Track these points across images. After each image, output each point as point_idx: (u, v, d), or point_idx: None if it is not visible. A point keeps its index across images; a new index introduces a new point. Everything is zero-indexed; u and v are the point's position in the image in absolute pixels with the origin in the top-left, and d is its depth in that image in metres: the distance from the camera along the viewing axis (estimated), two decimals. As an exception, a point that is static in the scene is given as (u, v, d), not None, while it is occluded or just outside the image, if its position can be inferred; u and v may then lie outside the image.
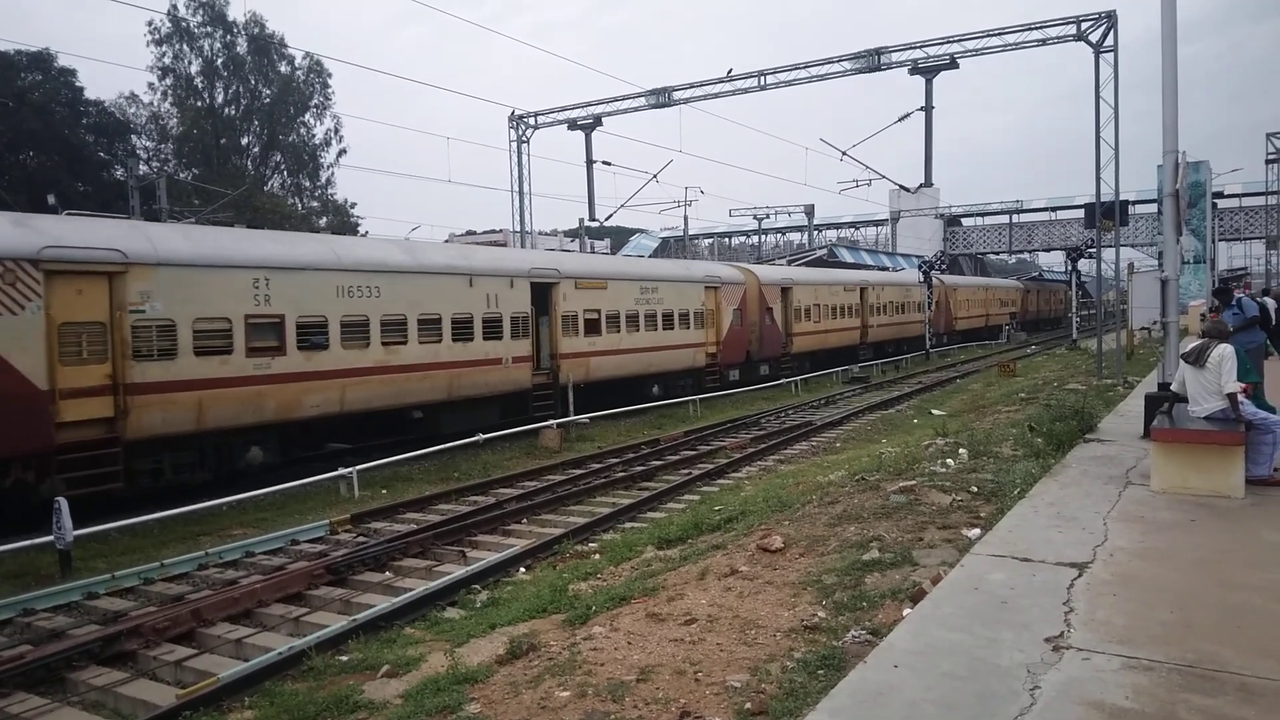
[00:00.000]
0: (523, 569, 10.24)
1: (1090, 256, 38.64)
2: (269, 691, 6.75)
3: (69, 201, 33.42)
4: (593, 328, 23.12)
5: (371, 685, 6.20)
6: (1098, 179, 23.63)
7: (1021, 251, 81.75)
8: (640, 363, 25.03)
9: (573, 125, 47.48)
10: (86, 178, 45.27)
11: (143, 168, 48.82)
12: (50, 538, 10.82)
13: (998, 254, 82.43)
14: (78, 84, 45.92)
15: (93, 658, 7.93)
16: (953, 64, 44.60)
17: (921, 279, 46.47)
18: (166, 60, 54.32)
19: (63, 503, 10.73)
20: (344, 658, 7.33)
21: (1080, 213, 55.94)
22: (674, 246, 71.20)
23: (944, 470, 9.77)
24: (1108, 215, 23.25)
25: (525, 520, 12.96)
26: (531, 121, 43.19)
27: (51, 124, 43.35)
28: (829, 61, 40.12)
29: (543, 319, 21.77)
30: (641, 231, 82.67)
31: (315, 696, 6.19)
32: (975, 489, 8.68)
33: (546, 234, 60.36)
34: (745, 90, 41.18)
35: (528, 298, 20.88)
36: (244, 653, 8.10)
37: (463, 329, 19.03)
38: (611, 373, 23.82)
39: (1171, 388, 9.72)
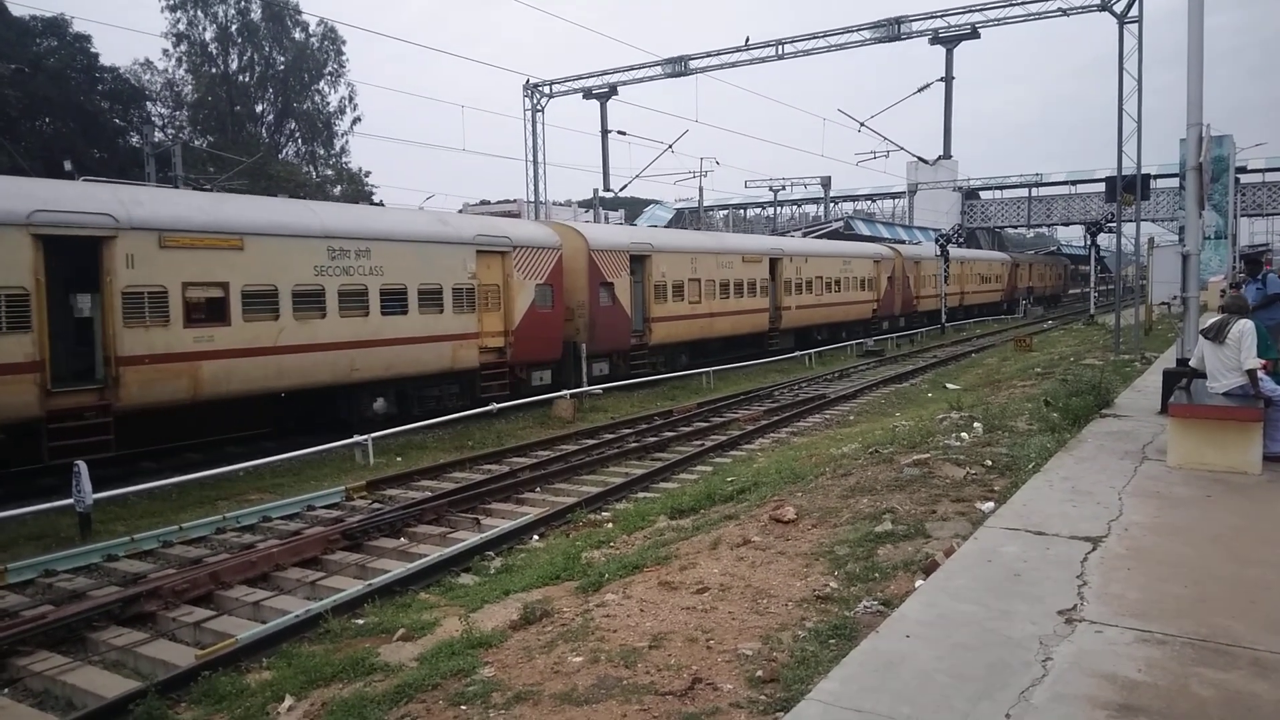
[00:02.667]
0: (536, 537, 10.32)
1: (1110, 231, 38.26)
2: (286, 653, 6.85)
3: (85, 168, 33.51)
4: (209, 312, 14.31)
5: (387, 648, 6.28)
6: (1119, 152, 23.33)
7: (1040, 226, 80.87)
8: (332, 366, 16.05)
9: (588, 94, 47.24)
10: (102, 144, 45.31)
11: (158, 135, 48.90)
12: (70, 501, 10.96)
13: (1016, 228, 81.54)
14: (92, 50, 45.88)
15: (113, 618, 8.06)
16: (974, 34, 44.12)
17: (938, 252, 46.03)
18: (181, 26, 54.22)
19: (82, 466, 10.86)
20: (360, 621, 7.42)
21: (1100, 186, 55.19)
22: (689, 218, 70.92)
23: (958, 444, 9.75)
24: (1129, 189, 23.00)
25: (538, 489, 13.03)
26: (546, 90, 42.95)
27: (67, 90, 43.34)
28: (848, 30, 39.70)
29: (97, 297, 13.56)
30: (656, 203, 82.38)
31: (332, 658, 6.27)
32: (990, 463, 8.66)
33: (561, 204, 60.22)
34: (763, 59, 40.87)
35: (29, 263, 12.36)
36: (261, 615, 8.21)
37: None
38: (258, 384, 15.05)
39: (1191, 363, 9.65)
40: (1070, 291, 79.01)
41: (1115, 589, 5.26)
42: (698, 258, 27.14)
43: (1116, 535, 6.27)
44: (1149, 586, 5.31)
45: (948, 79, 57.95)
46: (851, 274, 37.28)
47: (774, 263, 31.35)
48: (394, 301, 17.27)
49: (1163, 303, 33.44)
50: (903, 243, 53.11)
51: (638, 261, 24.64)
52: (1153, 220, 58.83)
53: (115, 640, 7.67)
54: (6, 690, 6.98)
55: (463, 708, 4.75)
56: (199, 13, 54.47)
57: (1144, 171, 23.87)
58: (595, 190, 49.51)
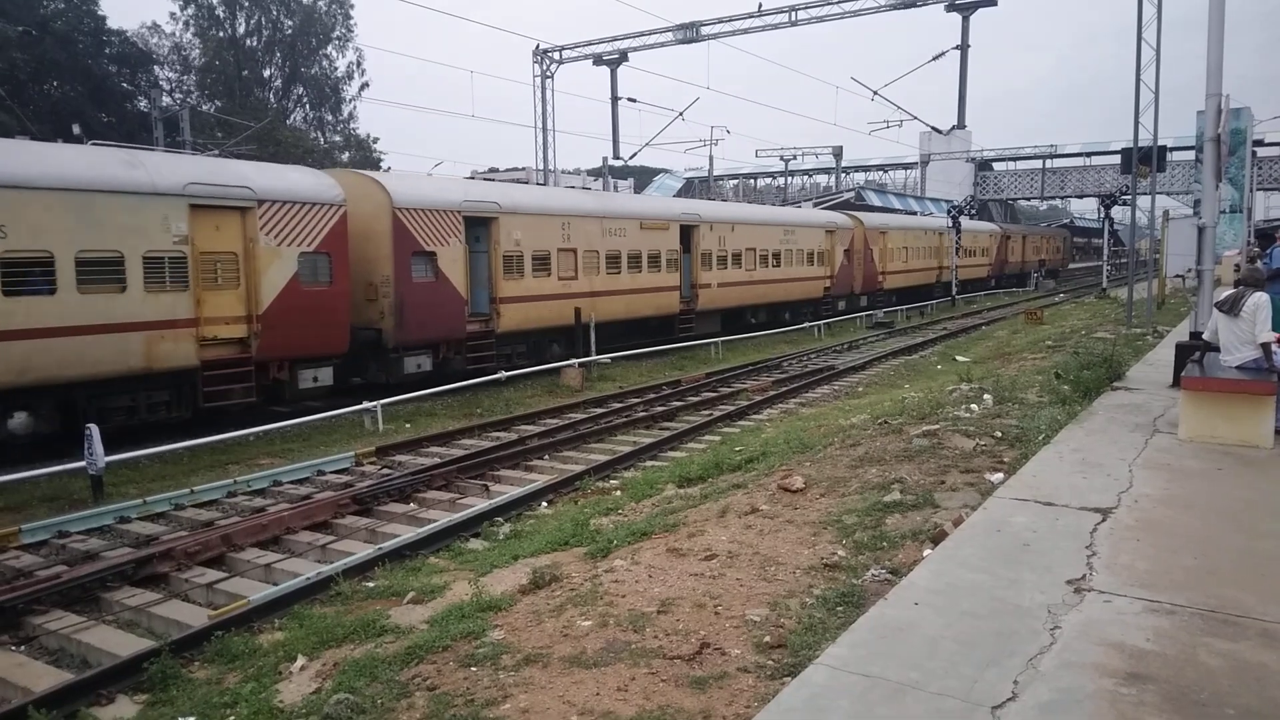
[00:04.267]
0: (545, 503, 10.37)
1: (1125, 204, 37.87)
2: (298, 614, 6.92)
3: (93, 133, 33.42)
4: None
5: (398, 610, 6.34)
6: (1135, 123, 23.02)
7: (1054, 198, 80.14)
8: None
9: (598, 60, 46.85)
10: (110, 108, 45.14)
11: (166, 99, 48.65)
12: (82, 464, 11.05)
13: (1029, 200, 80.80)
14: (100, 13, 45.56)
15: (126, 579, 8.15)
16: (991, 1, 43.44)
17: (951, 225, 45.65)
18: (188, -12, 53.73)
19: (94, 429, 10.93)
20: (370, 584, 7.48)
21: (1116, 158, 54.56)
22: (699, 187, 70.51)
23: (968, 415, 9.73)
24: (1145, 161, 22.73)
25: (547, 456, 13.08)
26: (556, 56, 42.61)
27: (74, 54, 43.07)
28: (862, -3, 39.17)
29: None
30: (665, 171, 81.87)
31: (343, 620, 6.34)
32: (999, 434, 8.65)
33: (569, 172, 59.90)
34: (776, 26, 40.44)
35: None
36: (273, 577, 8.29)
37: None
38: None
39: (1204, 336, 9.59)
40: (1071, 265, 76.73)
41: (1124, 560, 5.26)
42: (571, 222, 21.55)
43: (1126, 507, 6.26)
44: (1158, 558, 5.31)
45: (963, 47, 57.13)
46: (796, 246, 31.63)
47: (687, 230, 26.16)
48: (30, 277, 12.28)
49: (1177, 276, 33.17)
50: (914, 213, 52.49)
51: (480, 225, 19.26)
52: (1168, 193, 58.15)
53: (129, 600, 7.76)
54: (23, 648, 7.09)
55: (473, 669, 4.80)
56: (206, -25, 54.01)
57: (1161, 143, 23.58)
58: (605, 158, 49.20)
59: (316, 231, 15.72)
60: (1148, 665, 3.97)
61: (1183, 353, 10.49)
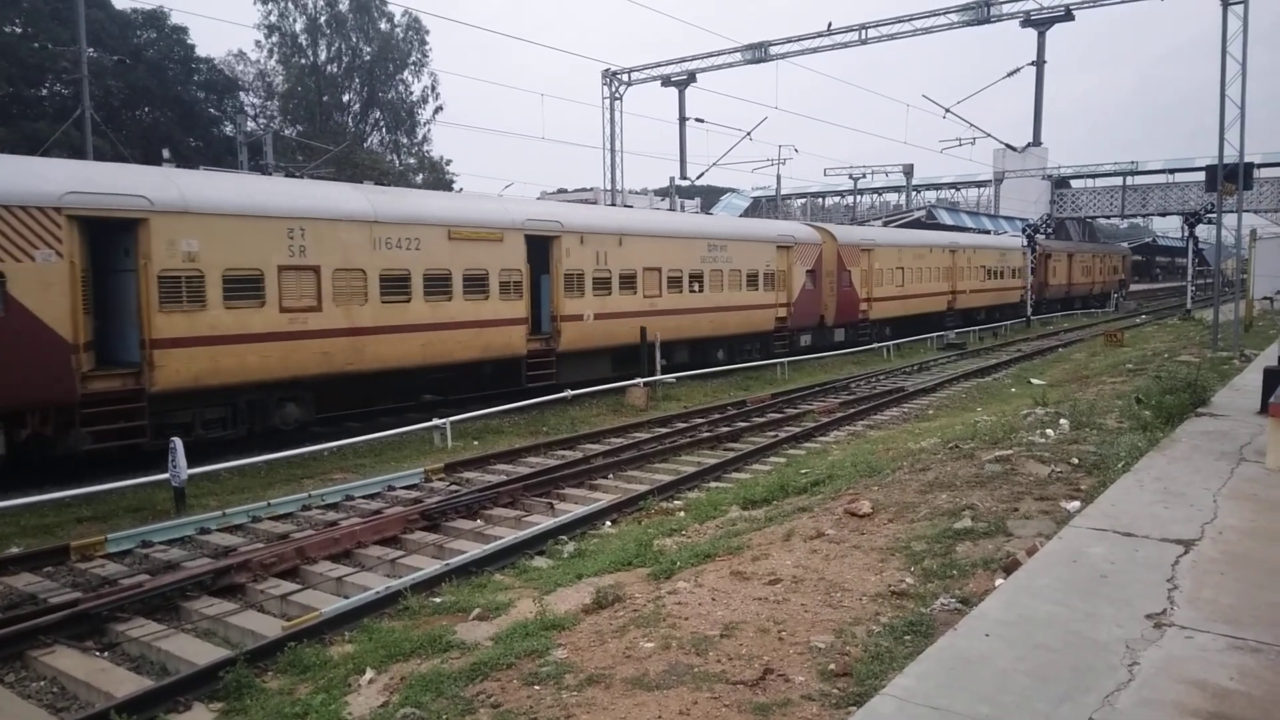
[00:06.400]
0: (608, 523, 10.40)
1: (1209, 222, 36.57)
2: (367, 627, 7.06)
3: (182, 156, 34.89)
4: None
5: (463, 626, 6.41)
6: (1221, 140, 22.25)
7: (1135, 216, 77.61)
8: None
9: (666, 81, 47.14)
10: (198, 133, 47.07)
11: (250, 124, 50.53)
12: (166, 476, 11.47)
13: (1109, 218, 78.39)
14: (189, 42, 47.64)
15: (205, 588, 8.41)
16: (1068, 16, 42.57)
17: (1025, 244, 44.57)
18: (272, 18, 56.03)
19: (178, 443, 11.34)
20: (437, 599, 7.59)
21: (1200, 175, 52.72)
22: (766, 206, 70.30)
23: (1043, 441, 9.48)
24: (1230, 178, 21.94)
25: (611, 475, 13.12)
26: (625, 78, 43.04)
27: (164, 81, 45.07)
28: (935, 14, 38.78)
29: None
30: (733, 191, 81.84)
31: (410, 634, 6.44)
32: (1076, 461, 8.40)
33: (637, 193, 60.29)
34: (845, 45, 40.24)
35: None
36: (344, 590, 8.47)
37: None
38: None
39: (1295, 361, 9.20)
40: (1131, 288, 71.89)
41: (1208, 594, 5.06)
42: (308, 228, 14.88)
43: (1210, 538, 6.03)
44: (1244, 592, 5.09)
45: (1039, 63, 55.96)
46: (729, 265, 24.55)
47: (541, 243, 19.39)
48: None
49: (1265, 298, 31.88)
50: (987, 232, 51.26)
51: (123, 232, 13.16)
52: (1255, 211, 55.89)
53: (207, 610, 8.01)
54: (106, 653, 7.36)
55: (536, 687, 4.83)
56: (289, 4, 56.20)
57: (1248, 159, 22.74)
58: (672, 178, 49.40)
59: None
60: (1232, 705, 3.81)
61: (1271, 378, 10.08)
